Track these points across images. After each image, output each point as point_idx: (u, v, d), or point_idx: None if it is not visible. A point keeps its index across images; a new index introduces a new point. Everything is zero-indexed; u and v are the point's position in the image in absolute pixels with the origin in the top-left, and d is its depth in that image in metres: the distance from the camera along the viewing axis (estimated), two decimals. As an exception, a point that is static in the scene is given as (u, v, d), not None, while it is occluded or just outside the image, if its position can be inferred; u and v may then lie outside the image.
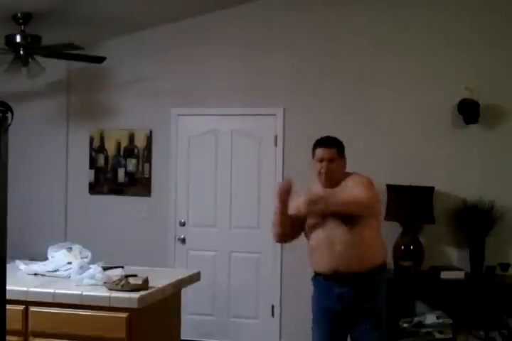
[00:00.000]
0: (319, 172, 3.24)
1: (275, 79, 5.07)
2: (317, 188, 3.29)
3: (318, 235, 3.24)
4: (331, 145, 3.27)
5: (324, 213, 3.17)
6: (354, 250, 3.16)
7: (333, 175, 3.23)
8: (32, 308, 2.98)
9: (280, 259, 5.05)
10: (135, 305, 2.85)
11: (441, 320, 4.36)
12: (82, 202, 5.50)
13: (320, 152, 3.25)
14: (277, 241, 3.60)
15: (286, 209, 3.24)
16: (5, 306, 1.85)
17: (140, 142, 5.38)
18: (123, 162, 5.41)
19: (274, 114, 5.09)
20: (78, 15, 4.63)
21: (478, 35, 4.72)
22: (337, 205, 3.09)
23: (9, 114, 1.82)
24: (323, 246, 3.22)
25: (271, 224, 3.40)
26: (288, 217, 3.27)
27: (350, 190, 3.15)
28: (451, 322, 4.35)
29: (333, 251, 3.18)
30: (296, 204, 3.21)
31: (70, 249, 3.45)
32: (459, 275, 4.42)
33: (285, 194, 3.19)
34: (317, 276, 3.32)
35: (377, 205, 3.29)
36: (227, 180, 5.18)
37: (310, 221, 3.30)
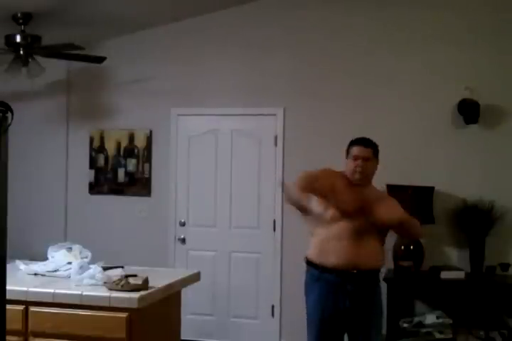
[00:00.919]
0: (353, 170, 3.25)
1: (275, 79, 5.07)
2: (340, 183, 3.23)
3: (344, 225, 3.14)
4: (368, 145, 3.31)
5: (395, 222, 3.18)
6: (372, 248, 3.21)
7: (367, 174, 3.28)
8: (32, 308, 2.98)
9: (280, 259, 5.05)
10: (135, 305, 2.85)
11: (441, 320, 4.36)
12: (82, 202, 5.50)
13: (356, 150, 3.28)
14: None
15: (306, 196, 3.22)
16: (5, 306, 1.85)
17: (140, 142, 5.38)
18: (123, 162, 5.41)
19: (274, 114, 5.09)
20: (78, 15, 4.63)
21: (478, 35, 4.72)
22: (414, 229, 3.28)
23: (9, 114, 1.82)
24: (346, 238, 3.14)
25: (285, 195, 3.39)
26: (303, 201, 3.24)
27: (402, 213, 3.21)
28: (451, 322, 4.35)
29: (357, 245, 3.14)
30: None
31: (70, 249, 3.44)
32: (459, 275, 4.42)
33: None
34: (324, 274, 3.22)
35: None
36: (227, 180, 5.18)
37: (329, 213, 3.17)
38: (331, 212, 3.17)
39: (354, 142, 3.36)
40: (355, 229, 3.14)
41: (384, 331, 3.67)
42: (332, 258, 3.18)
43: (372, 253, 3.21)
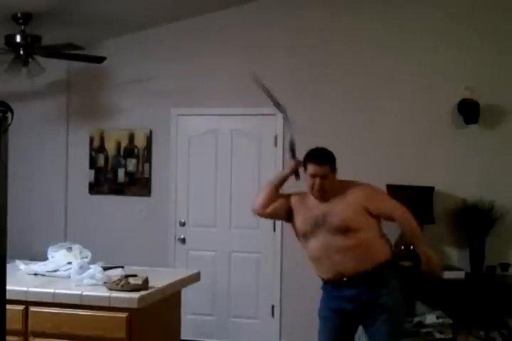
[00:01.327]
0: (312, 188, 3.23)
1: (275, 79, 5.05)
2: (311, 199, 3.29)
3: (313, 245, 3.25)
4: (324, 162, 3.21)
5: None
6: (353, 254, 3.16)
7: (326, 191, 3.23)
8: (32, 308, 2.98)
9: (280, 259, 5.05)
10: (135, 305, 2.85)
11: (441, 320, 4.36)
12: (82, 202, 5.50)
13: (312, 168, 3.21)
14: (254, 210, 3.42)
15: (283, 183, 3.42)
16: (5, 306, 1.86)
17: (140, 142, 5.38)
18: (123, 162, 5.41)
19: (274, 114, 5.08)
20: (78, 15, 4.63)
21: (478, 35, 4.72)
22: (418, 231, 3.31)
23: (9, 114, 1.82)
24: (321, 257, 3.23)
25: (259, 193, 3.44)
26: (276, 193, 3.39)
27: (376, 207, 3.23)
28: (451, 322, 4.35)
29: (332, 259, 3.19)
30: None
31: (70, 249, 3.44)
32: (459, 275, 4.42)
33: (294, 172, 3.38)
34: (326, 284, 3.32)
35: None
36: (227, 180, 5.18)
37: (300, 230, 3.30)
38: (298, 229, 3.33)
39: (309, 158, 3.26)
40: (328, 244, 3.18)
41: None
42: (322, 273, 3.29)
43: (352, 260, 3.16)
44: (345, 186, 3.28)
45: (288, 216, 3.37)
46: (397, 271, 3.35)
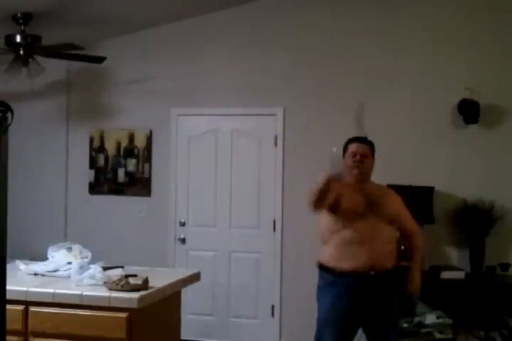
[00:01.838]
0: (352, 166, 3.27)
1: (275, 79, 5.07)
2: (343, 184, 3.22)
3: (360, 227, 3.19)
4: (367, 143, 3.38)
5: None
6: (388, 248, 3.27)
7: (365, 171, 3.32)
8: (32, 308, 2.98)
9: (280, 259, 5.05)
10: (135, 305, 2.85)
11: (441, 320, 4.36)
12: (82, 202, 5.50)
13: (354, 146, 3.33)
14: (313, 206, 3.23)
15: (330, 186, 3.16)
16: (5, 306, 1.85)
17: (140, 142, 5.38)
18: (123, 162, 5.41)
19: (274, 114, 5.09)
20: (78, 15, 4.63)
21: (479, 35, 4.72)
22: (421, 255, 3.48)
23: (9, 114, 1.82)
24: (364, 241, 3.18)
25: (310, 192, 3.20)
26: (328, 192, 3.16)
27: (405, 219, 3.38)
28: (451, 322, 4.35)
29: (373, 246, 3.19)
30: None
31: (70, 249, 3.44)
32: (459, 275, 4.42)
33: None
34: (340, 278, 3.22)
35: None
36: (227, 180, 5.18)
37: (348, 210, 3.21)
38: (340, 216, 3.25)
39: (352, 140, 3.41)
40: (374, 229, 3.21)
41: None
42: (349, 262, 3.21)
43: (387, 253, 3.26)
44: (382, 186, 3.47)
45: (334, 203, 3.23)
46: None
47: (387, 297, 3.26)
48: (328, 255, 3.29)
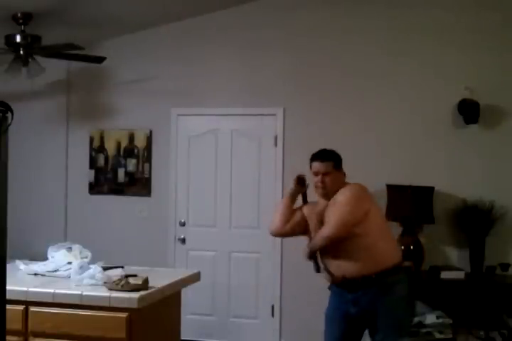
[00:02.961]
0: (316, 186, 3.28)
1: (275, 79, 5.07)
2: (321, 202, 3.31)
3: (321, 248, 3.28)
4: (326, 159, 3.27)
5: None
6: (358, 256, 3.16)
7: (329, 189, 3.25)
8: (32, 308, 2.98)
9: (280, 259, 5.05)
10: (135, 305, 2.85)
11: (441, 320, 4.36)
12: (82, 202, 5.50)
13: (315, 165, 3.28)
14: (273, 231, 3.47)
15: (294, 199, 3.43)
16: (5, 306, 1.85)
17: (140, 142, 5.38)
18: (123, 162, 5.41)
19: (274, 114, 5.09)
20: (78, 15, 4.63)
21: (479, 35, 4.72)
22: (319, 246, 3.23)
23: (9, 114, 1.82)
24: (326, 257, 3.26)
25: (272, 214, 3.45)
26: (290, 210, 3.40)
27: (328, 217, 3.22)
28: (451, 322, 4.35)
29: (336, 261, 3.21)
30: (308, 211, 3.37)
31: (70, 249, 3.44)
32: (459, 275, 4.42)
33: (301, 185, 3.41)
34: (331, 285, 3.35)
35: (355, 221, 3.16)
36: (227, 180, 5.18)
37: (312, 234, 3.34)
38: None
39: (312, 157, 3.33)
40: (329, 248, 3.21)
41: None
42: (330, 272, 3.29)
43: (361, 262, 3.15)
44: (341, 190, 3.24)
45: (306, 229, 3.37)
46: (405, 276, 3.33)
47: (375, 303, 3.18)
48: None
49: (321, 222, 3.24)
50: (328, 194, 3.25)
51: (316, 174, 3.26)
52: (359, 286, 3.18)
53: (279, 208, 3.43)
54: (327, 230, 3.15)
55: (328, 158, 3.28)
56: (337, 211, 3.16)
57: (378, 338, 3.24)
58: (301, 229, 3.39)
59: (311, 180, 3.32)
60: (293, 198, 3.42)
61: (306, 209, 3.40)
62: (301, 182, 3.40)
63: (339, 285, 3.26)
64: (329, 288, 3.37)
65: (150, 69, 5.32)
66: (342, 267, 3.19)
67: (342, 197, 3.19)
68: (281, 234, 3.52)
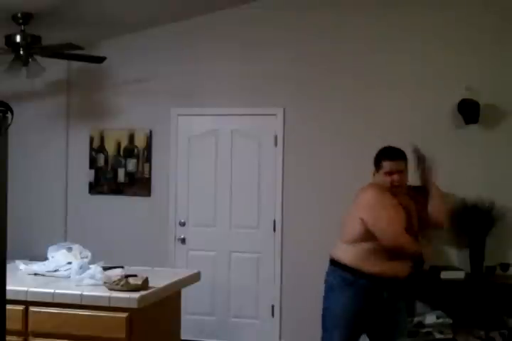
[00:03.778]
0: (391, 185, 3.27)
1: (275, 79, 5.07)
2: (389, 196, 3.27)
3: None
4: (399, 158, 3.31)
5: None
6: (403, 259, 3.29)
7: (404, 186, 3.33)
8: (32, 308, 2.98)
9: (280, 259, 5.05)
10: (135, 305, 2.85)
11: (441, 320, 4.37)
12: (82, 202, 5.50)
13: (389, 165, 3.27)
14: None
15: None
16: (5, 306, 1.85)
17: (140, 142, 5.38)
18: (123, 162, 5.41)
19: (274, 114, 5.09)
20: (78, 15, 4.63)
21: (479, 35, 4.72)
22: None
23: (9, 114, 1.82)
24: (390, 252, 3.21)
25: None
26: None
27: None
28: (451, 322, 4.36)
29: (399, 258, 3.23)
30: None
31: (70, 249, 3.44)
32: (459, 275, 4.42)
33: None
34: (360, 279, 3.24)
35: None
36: (227, 180, 5.18)
37: (405, 222, 3.29)
38: None
39: (385, 156, 3.31)
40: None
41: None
42: (375, 266, 3.22)
43: (407, 263, 3.30)
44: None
45: None
46: None
47: (398, 305, 3.30)
48: (355, 256, 3.26)
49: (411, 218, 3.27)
50: (403, 191, 3.32)
51: (390, 173, 3.25)
52: (398, 286, 3.28)
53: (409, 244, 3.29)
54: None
55: (401, 157, 3.32)
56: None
57: (398, 324, 3.35)
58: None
59: (381, 176, 3.28)
60: None
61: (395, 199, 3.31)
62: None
63: (382, 281, 3.22)
64: (351, 283, 3.25)
65: (150, 69, 5.32)
66: (404, 263, 3.25)
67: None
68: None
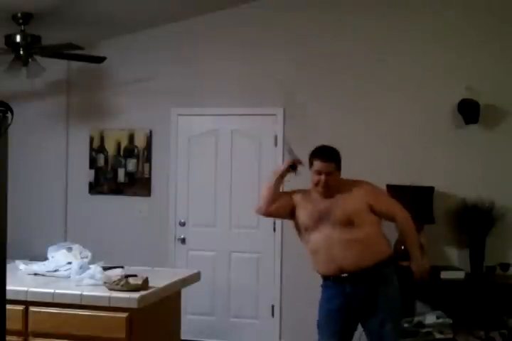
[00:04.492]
0: (316, 185, 3.29)
1: (275, 79, 5.06)
2: (314, 194, 3.34)
3: (316, 238, 3.29)
4: (330, 160, 3.28)
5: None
6: (356, 248, 3.22)
7: (330, 187, 3.29)
8: (32, 308, 2.98)
9: (280, 259, 5.05)
10: (135, 305, 2.85)
11: (441, 320, 4.36)
12: (82, 202, 5.50)
13: (318, 165, 3.27)
14: (258, 210, 3.47)
15: (281, 181, 3.45)
16: (5, 306, 1.86)
17: (140, 142, 5.38)
18: (123, 162, 5.41)
19: (274, 114, 5.09)
20: (78, 15, 4.63)
21: (479, 35, 4.72)
22: (414, 235, 3.43)
23: (9, 114, 1.82)
24: (322, 249, 3.27)
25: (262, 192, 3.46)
26: (277, 191, 3.43)
27: (381, 206, 3.32)
28: (451, 322, 4.35)
29: (333, 252, 3.24)
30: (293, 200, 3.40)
31: (70, 249, 3.44)
32: (459, 275, 4.42)
33: (292, 171, 3.41)
34: (326, 280, 3.34)
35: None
36: (227, 180, 5.18)
37: (303, 224, 3.35)
38: (301, 223, 3.37)
39: (316, 155, 3.32)
40: (330, 237, 3.24)
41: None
42: (322, 267, 3.32)
43: (355, 254, 3.22)
44: (349, 183, 3.35)
45: (291, 213, 3.40)
46: (396, 269, 3.41)
47: (375, 293, 3.24)
48: (311, 260, 3.41)
49: (320, 219, 3.27)
50: (327, 192, 3.29)
51: (318, 173, 3.26)
52: (358, 279, 3.22)
53: (267, 187, 3.41)
54: (407, 214, 3.34)
55: (332, 159, 3.29)
56: (387, 200, 3.41)
57: (377, 326, 3.26)
58: (286, 212, 3.42)
59: (311, 176, 3.31)
60: (281, 179, 3.43)
61: (297, 197, 3.39)
62: (294, 168, 3.40)
63: (337, 279, 3.25)
64: (323, 286, 3.36)
65: (150, 69, 5.32)
66: (340, 258, 3.22)
67: (369, 190, 3.32)
68: (266, 213, 3.47)
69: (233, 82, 5.15)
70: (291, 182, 3.58)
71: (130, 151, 5.40)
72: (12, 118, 1.82)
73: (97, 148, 5.47)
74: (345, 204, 3.27)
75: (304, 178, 3.41)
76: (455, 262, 4.70)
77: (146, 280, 3.00)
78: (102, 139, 5.46)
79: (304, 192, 3.40)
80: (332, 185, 3.27)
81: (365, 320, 3.30)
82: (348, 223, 3.23)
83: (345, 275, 3.22)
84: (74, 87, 5.55)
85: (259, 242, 5.11)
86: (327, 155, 3.30)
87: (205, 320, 5.17)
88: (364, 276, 3.22)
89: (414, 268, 3.40)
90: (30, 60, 4.54)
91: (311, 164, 3.32)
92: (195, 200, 5.26)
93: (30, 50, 4.48)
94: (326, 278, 3.34)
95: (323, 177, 3.25)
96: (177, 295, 3.43)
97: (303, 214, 3.34)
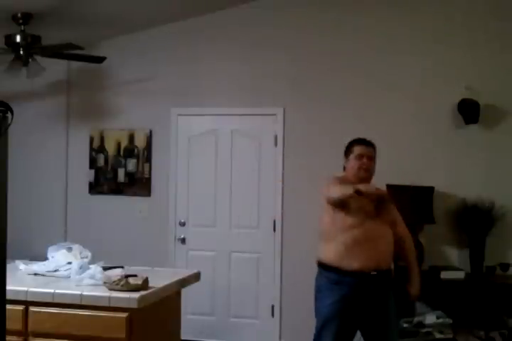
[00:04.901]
0: (359, 168, 3.34)
1: (275, 79, 5.07)
2: (347, 185, 3.24)
3: (360, 232, 3.24)
4: (371, 145, 3.44)
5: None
6: (390, 247, 3.34)
7: (371, 172, 3.38)
8: (32, 308, 2.98)
9: (280, 259, 5.05)
10: (135, 305, 2.85)
11: (441, 320, 4.36)
12: (82, 202, 5.50)
13: (360, 149, 3.39)
14: (330, 201, 3.31)
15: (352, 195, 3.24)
16: (5, 306, 1.85)
17: (140, 142, 5.38)
18: (123, 162, 5.41)
19: (274, 114, 5.09)
20: (78, 15, 4.63)
21: (479, 35, 4.72)
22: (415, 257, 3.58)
23: (9, 114, 1.82)
24: (366, 243, 3.23)
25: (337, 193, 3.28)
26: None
27: (399, 223, 3.48)
28: (451, 322, 4.35)
29: (378, 247, 3.26)
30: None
31: (70, 249, 3.44)
32: (459, 275, 4.42)
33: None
34: (346, 277, 3.24)
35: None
36: (227, 180, 5.18)
37: (349, 219, 3.26)
38: (345, 220, 3.28)
39: (356, 142, 3.46)
40: (376, 232, 3.27)
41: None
42: (355, 262, 3.23)
43: (389, 254, 3.34)
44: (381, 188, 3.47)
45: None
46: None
47: (387, 297, 3.30)
48: (333, 253, 3.28)
49: (377, 204, 3.30)
50: (368, 178, 3.36)
51: (360, 157, 3.34)
52: (383, 278, 3.28)
53: (344, 195, 3.20)
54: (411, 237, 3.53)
55: (372, 145, 3.44)
56: (398, 214, 3.48)
57: (379, 335, 3.30)
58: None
59: (351, 163, 3.37)
60: (353, 195, 3.19)
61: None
62: (360, 194, 3.18)
63: (365, 276, 3.22)
64: (337, 282, 3.26)
65: (150, 69, 5.32)
66: (381, 254, 3.28)
67: (392, 201, 3.42)
68: (333, 204, 3.31)
69: (233, 81, 5.15)
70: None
71: (130, 151, 5.40)
72: (12, 118, 1.82)
73: (97, 148, 5.47)
74: (390, 206, 3.39)
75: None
76: (455, 262, 4.70)
77: (146, 280, 3.00)
78: (102, 139, 5.46)
79: (341, 179, 3.37)
80: (372, 170, 3.38)
81: (369, 323, 3.30)
82: (391, 223, 3.36)
83: (374, 273, 3.24)
84: (74, 87, 5.55)
85: (259, 242, 5.11)
86: (367, 141, 3.45)
87: (205, 320, 5.17)
88: (385, 278, 3.30)
89: (413, 292, 3.46)
90: (30, 60, 4.53)
91: (349, 153, 3.40)
92: (195, 200, 5.26)
93: (30, 50, 4.48)
94: (348, 275, 3.23)
95: (365, 160, 3.34)
96: (177, 295, 3.43)
97: (359, 201, 3.21)
